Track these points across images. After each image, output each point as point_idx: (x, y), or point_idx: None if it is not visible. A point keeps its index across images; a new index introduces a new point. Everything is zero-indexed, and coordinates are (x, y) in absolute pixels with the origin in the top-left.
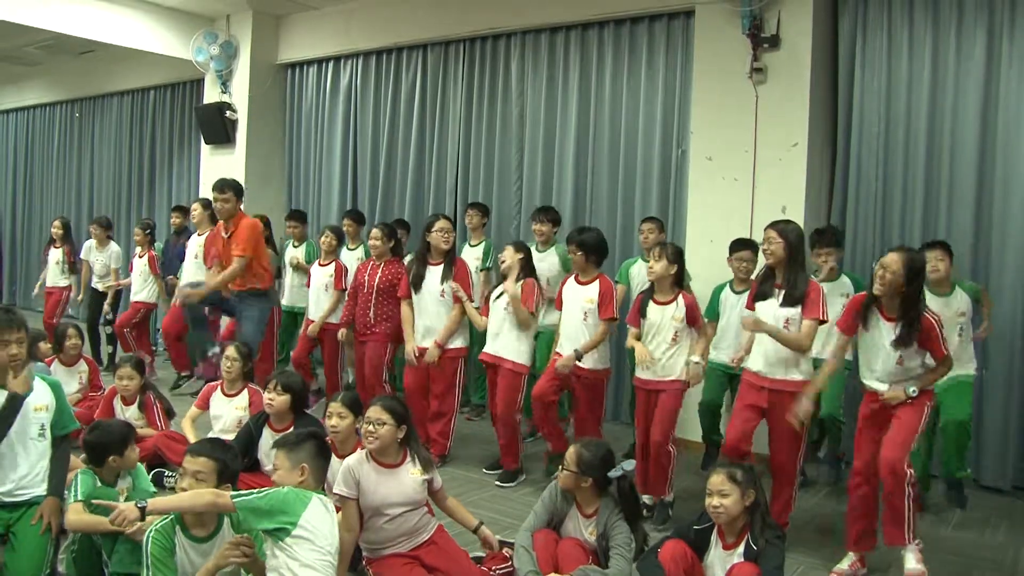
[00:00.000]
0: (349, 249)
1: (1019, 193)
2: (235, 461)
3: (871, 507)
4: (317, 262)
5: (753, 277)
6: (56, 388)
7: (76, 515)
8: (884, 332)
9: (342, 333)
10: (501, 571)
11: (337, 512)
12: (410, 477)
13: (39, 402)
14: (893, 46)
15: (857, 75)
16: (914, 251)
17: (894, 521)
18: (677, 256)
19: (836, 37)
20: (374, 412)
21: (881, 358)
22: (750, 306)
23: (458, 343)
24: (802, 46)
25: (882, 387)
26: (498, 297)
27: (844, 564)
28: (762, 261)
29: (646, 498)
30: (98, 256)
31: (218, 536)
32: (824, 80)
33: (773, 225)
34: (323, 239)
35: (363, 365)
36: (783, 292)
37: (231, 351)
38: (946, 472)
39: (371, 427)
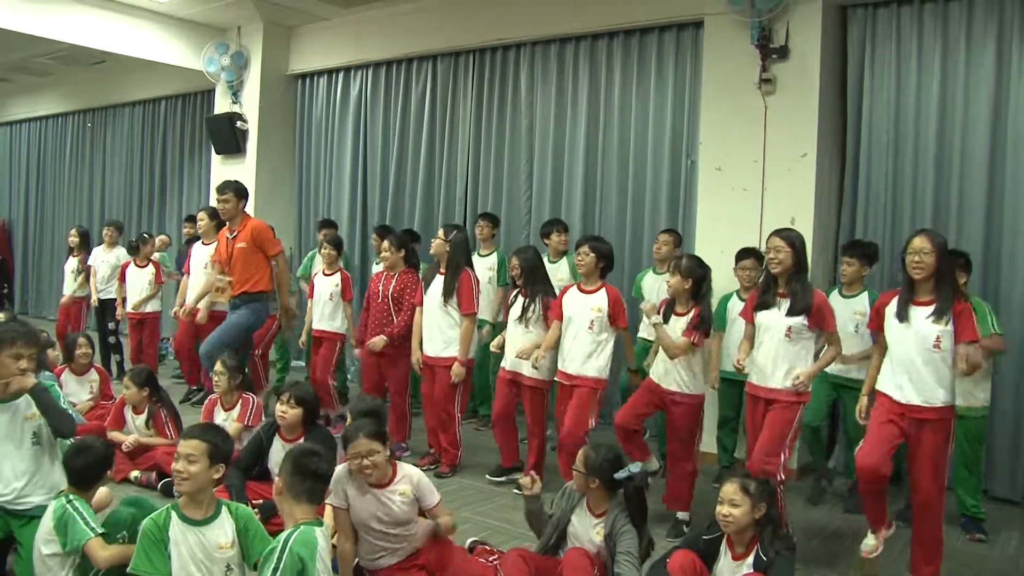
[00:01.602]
0: (377, 263)
1: None
2: (226, 443)
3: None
4: (321, 272)
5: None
6: (50, 390)
7: (106, 549)
8: (919, 317)
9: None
10: (495, 561)
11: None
12: (399, 496)
13: (30, 409)
14: (902, 56)
15: (866, 85)
16: (933, 231)
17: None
18: (691, 270)
19: (845, 47)
20: (363, 445)
21: (918, 349)
22: (746, 315)
23: (454, 351)
24: (811, 56)
25: (915, 392)
26: (519, 318)
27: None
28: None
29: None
30: (104, 258)
31: (216, 520)
32: (833, 90)
33: (778, 233)
34: (325, 251)
35: (376, 375)
36: (788, 301)
37: (217, 365)
38: (962, 509)
39: (364, 461)
